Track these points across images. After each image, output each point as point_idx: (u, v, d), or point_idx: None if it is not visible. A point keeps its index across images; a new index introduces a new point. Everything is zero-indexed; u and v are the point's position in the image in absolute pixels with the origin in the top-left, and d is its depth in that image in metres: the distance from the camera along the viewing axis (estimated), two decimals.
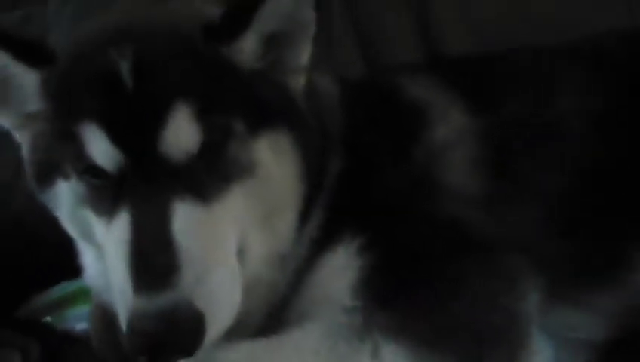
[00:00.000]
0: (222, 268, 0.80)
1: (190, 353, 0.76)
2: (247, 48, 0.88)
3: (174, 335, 0.74)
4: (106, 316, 1.10)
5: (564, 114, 1.04)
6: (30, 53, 0.89)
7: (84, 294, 1.26)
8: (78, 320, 1.27)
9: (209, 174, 0.83)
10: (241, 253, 0.86)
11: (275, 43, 0.91)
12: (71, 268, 1.03)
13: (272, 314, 0.93)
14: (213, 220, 0.82)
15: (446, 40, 1.53)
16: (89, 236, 0.90)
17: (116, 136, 0.82)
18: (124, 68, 0.82)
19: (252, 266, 0.88)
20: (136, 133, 0.81)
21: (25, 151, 0.95)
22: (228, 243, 0.83)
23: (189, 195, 0.81)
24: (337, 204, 0.95)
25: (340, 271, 0.90)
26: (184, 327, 0.75)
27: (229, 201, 0.84)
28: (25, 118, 0.92)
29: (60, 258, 1.05)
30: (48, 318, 1.34)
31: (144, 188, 0.81)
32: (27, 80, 0.89)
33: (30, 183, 0.94)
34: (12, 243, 1.37)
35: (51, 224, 0.96)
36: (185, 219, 0.80)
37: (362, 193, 0.96)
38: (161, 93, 0.82)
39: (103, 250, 0.86)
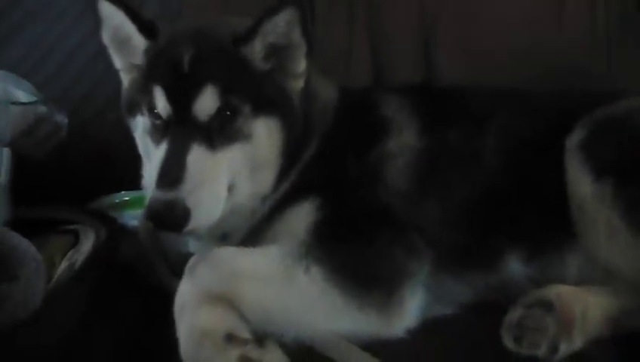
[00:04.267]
0: (211, 190, 1.17)
1: (177, 230, 1.13)
2: (255, 50, 1.23)
3: (169, 216, 1.12)
4: None
5: (484, 148, 1.35)
6: (146, 29, 1.28)
7: (139, 201, 1.49)
8: (132, 219, 1.54)
9: (220, 134, 1.20)
10: (230, 188, 1.20)
11: (277, 52, 1.24)
12: (134, 181, 1.39)
13: (251, 233, 1.27)
14: (214, 162, 1.18)
15: (443, 66, 1.78)
16: (148, 155, 1.26)
17: (170, 97, 1.19)
18: (185, 58, 1.21)
19: (238, 198, 1.22)
20: (182, 98, 1.19)
21: (123, 88, 1.34)
22: (221, 178, 1.18)
23: (204, 143, 1.18)
24: (309, 173, 1.28)
25: (301, 217, 1.23)
26: (176, 213, 1.12)
27: (229, 154, 1.20)
28: (130, 66, 1.32)
29: (127, 173, 1.40)
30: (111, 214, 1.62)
31: (178, 132, 1.18)
32: (139, 43, 1.29)
33: (123, 111, 1.32)
34: (97, 157, 1.72)
35: (127, 147, 1.33)
36: (197, 155, 1.16)
37: (328, 171, 1.28)
38: (200, 77, 1.20)
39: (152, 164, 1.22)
